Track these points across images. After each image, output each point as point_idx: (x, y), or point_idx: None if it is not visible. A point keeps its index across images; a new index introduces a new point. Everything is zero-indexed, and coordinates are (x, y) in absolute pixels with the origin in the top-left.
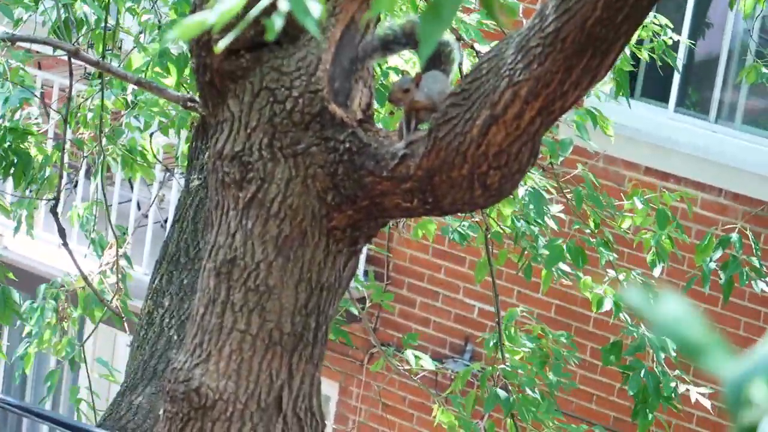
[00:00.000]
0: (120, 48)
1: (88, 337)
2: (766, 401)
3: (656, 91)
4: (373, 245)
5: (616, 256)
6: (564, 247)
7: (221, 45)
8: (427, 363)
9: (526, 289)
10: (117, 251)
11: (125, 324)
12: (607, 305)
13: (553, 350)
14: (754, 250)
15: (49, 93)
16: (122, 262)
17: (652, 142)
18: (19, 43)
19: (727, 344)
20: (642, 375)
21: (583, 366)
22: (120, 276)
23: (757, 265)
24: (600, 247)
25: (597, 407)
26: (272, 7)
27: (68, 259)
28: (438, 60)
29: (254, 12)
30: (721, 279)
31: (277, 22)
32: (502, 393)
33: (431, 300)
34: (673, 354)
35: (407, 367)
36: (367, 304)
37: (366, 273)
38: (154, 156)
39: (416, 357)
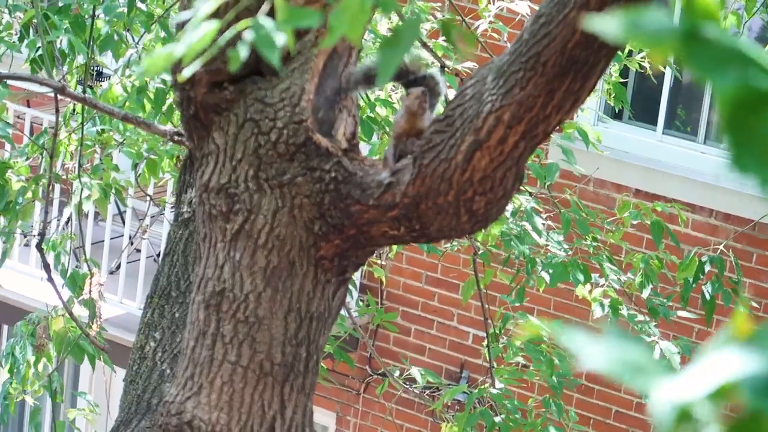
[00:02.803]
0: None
1: (56, 367)
2: (699, 422)
3: (644, 114)
4: (365, 274)
5: (616, 269)
6: (566, 264)
7: (185, 74)
8: (432, 378)
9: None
10: (90, 282)
11: (103, 354)
12: (598, 312)
13: (555, 353)
14: (735, 270)
15: (38, 131)
16: (96, 295)
17: (641, 165)
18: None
19: (664, 367)
20: None
21: (578, 390)
22: (99, 307)
23: (737, 285)
24: (602, 262)
25: (593, 431)
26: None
27: (47, 291)
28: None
29: (221, 41)
30: (705, 297)
31: (242, 52)
32: (485, 411)
33: (426, 328)
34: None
35: (413, 386)
36: (366, 333)
37: (362, 302)
38: (143, 191)
39: (422, 374)
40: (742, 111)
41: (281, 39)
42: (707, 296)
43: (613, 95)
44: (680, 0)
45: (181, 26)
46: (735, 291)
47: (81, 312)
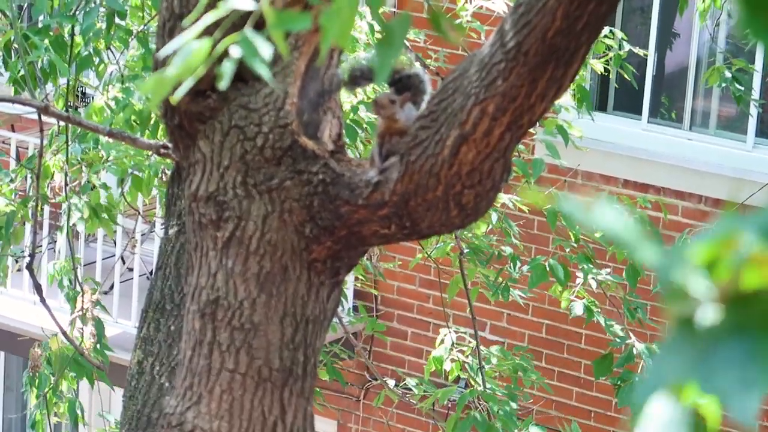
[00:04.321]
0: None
1: (50, 387)
2: (700, 292)
3: (628, 104)
4: (359, 281)
5: (596, 270)
6: (546, 265)
7: (178, 95)
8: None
9: (515, 311)
10: (82, 299)
11: (99, 372)
12: (578, 310)
13: (520, 362)
14: None
15: (24, 155)
16: (96, 312)
17: (628, 155)
18: None
19: (660, 239)
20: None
21: (578, 383)
22: (93, 323)
23: None
24: (582, 263)
25: (596, 423)
26: (227, 54)
27: (40, 315)
28: (409, 92)
29: (209, 61)
30: None
31: (228, 68)
32: (478, 415)
33: (422, 330)
34: None
35: (408, 397)
36: (361, 338)
37: (356, 308)
38: (132, 207)
39: (418, 382)
40: None
41: (268, 51)
42: None
43: (578, 97)
44: None
45: (161, 64)
46: None
47: (83, 329)
